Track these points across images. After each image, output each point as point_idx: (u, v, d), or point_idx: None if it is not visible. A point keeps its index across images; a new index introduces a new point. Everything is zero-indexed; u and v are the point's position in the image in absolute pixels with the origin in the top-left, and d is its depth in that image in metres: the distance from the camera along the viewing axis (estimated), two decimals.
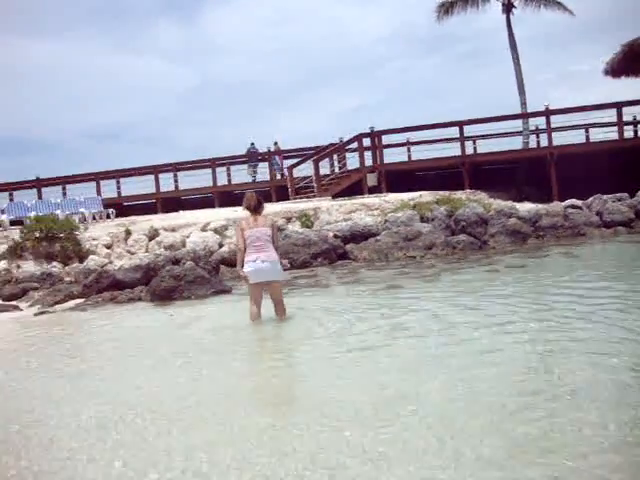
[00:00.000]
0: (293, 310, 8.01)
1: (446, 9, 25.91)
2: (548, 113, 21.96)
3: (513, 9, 25.47)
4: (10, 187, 28.09)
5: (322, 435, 3.91)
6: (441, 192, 17.98)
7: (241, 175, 26.95)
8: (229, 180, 26.65)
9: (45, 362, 6.86)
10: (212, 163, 26.01)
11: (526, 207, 17.04)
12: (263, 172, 26.28)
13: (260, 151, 26.27)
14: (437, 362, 5.37)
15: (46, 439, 4.26)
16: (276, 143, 26.21)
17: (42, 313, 10.69)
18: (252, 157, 26.20)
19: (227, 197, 25.21)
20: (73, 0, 66.82)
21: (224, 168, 26.44)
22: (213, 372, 5.78)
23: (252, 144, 26.19)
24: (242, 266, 7.44)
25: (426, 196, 17.60)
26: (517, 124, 24.68)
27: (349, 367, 5.52)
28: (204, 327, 8.01)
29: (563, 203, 16.93)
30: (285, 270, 7.78)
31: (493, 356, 5.34)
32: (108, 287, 12.08)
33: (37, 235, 14.44)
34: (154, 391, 5.30)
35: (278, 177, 25.31)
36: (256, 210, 7.61)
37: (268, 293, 7.65)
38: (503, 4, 25.43)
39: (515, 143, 24.55)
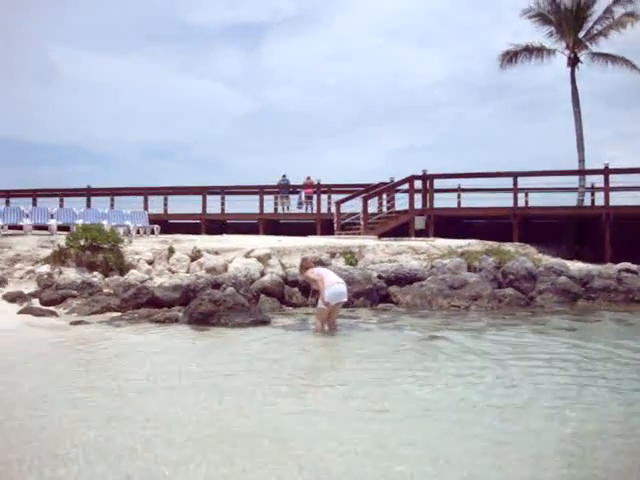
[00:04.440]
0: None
1: (510, 58, 25.78)
2: (607, 172, 21.36)
3: (579, 63, 25.14)
4: (61, 193, 28.67)
5: None
6: (490, 242, 17.49)
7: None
8: (275, 209, 26.67)
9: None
10: (260, 190, 26.09)
11: (577, 266, 16.37)
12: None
13: (291, 183, 27.06)
14: None
15: None
16: (309, 178, 26.72)
17: (78, 323, 10.59)
18: (283, 189, 26.85)
19: (272, 225, 25.19)
20: (142, 21, 68.64)
21: (271, 196, 26.53)
22: None
23: (284, 176, 27.06)
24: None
25: (475, 245, 17.13)
26: (572, 180, 24.13)
27: None
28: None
29: (617, 266, 16.20)
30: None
31: None
32: (146, 303, 12.00)
33: (82, 243, 14.46)
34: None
35: (298, 210, 26.78)
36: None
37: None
38: (569, 57, 25.11)
39: (569, 199, 24.02)
